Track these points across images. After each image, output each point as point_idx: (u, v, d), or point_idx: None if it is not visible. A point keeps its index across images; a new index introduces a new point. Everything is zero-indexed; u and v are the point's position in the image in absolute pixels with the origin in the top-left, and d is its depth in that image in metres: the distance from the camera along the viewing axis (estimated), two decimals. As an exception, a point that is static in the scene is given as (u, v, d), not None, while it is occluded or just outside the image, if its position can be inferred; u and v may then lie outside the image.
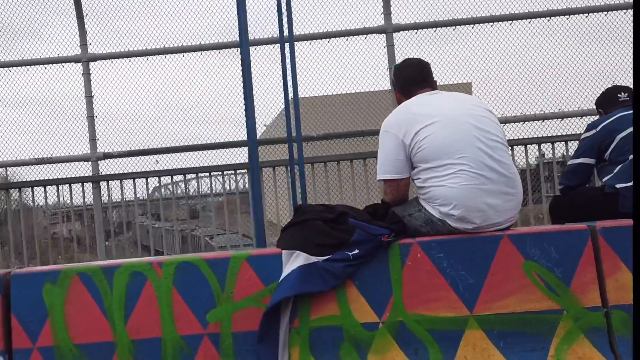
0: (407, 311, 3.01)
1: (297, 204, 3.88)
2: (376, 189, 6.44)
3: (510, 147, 5.71)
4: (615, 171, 3.67)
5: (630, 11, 6.44)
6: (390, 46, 6.59)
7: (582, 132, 3.96)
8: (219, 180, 6.80)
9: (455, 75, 6.67)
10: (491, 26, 6.64)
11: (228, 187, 6.86)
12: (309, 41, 6.71)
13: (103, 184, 6.65)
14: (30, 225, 6.99)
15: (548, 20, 6.63)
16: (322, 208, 3.27)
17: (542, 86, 6.73)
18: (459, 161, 3.03)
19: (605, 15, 6.60)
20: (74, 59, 6.85)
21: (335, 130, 6.90)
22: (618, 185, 3.60)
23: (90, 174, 6.76)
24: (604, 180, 3.75)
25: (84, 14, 6.76)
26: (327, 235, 3.05)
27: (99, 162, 6.83)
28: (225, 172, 6.63)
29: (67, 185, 6.56)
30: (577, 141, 6.17)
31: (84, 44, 6.80)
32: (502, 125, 5.22)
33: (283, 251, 3.07)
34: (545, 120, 6.64)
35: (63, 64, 6.90)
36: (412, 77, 3.36)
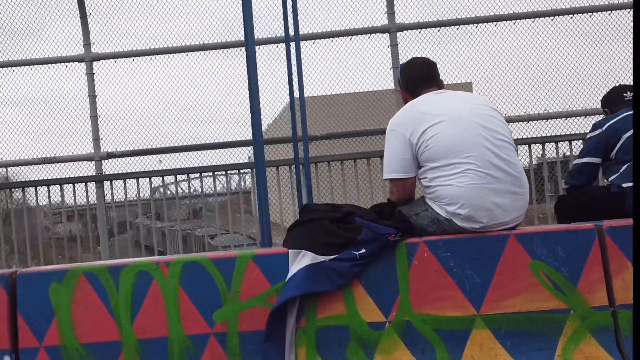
0: (414, 310, 3.01)
1: (302, 203, 3.87)
2: (379, 188, 6.44)
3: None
4: (621, 170, 3.66)
5: (634, 10, 6.42)
6: (393, 45, 6.58)
7: (587, 131, 3.96)
8: (219, 180, 6.79)
9: (460, 75, 6.68)
10: (495, 25, 6.64)
11: (232, 187, 6.87)
12: (313, 40, 6.70)
13: (106, 184, 6.65)
14: (34, 224, 6.99)
15: (552, 20, 6.62)
16: (329, 207, 3.27)
17: (546, 85, 6.73)
18: (466, 160, 3.02)
19: (610, 14, 6.59)
20: (78, 59, 6.85)
21: (338, 129, 6.89)
22: (624, 185, 3.60)
23: (94, 174, 6.76)
24: (610, 179, 3.74)
25: (88, 14, 6.75)
26: (333, 235, 3.05)
27: (102, 161, 6.82)
28: (229, 172, 6.63)
29: (71, 184, 6.56)
30: (581, 140, 6.19)
31: (87, 43, 6.80)
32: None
33: (289, 250, 3.07)
34: (549, 120, 6.63)
35: (66, 64, 6.89)
36: (419, 76, 3.36)
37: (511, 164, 3.09)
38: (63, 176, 6.77)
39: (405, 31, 6.65)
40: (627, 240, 2.97)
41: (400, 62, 6.04)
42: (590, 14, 6.63)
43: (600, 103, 4.20)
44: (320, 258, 3.00)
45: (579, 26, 6.61)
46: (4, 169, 7.29)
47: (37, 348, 3.06)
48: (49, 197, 6.53)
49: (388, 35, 6.63)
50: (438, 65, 3.48)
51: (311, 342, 3.02)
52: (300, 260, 3.02)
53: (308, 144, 3.84)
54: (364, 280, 3.04)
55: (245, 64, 3.73)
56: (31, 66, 6.89)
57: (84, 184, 6.59)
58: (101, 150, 6.79)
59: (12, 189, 6.69)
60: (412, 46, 6.62)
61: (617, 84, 4.23)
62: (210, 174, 6.71)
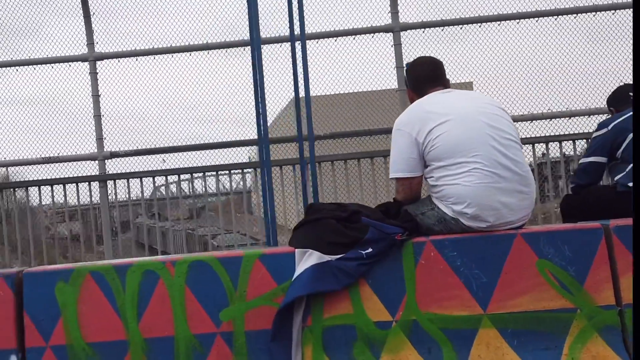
0: (421, 310, 3.01)
1: (307, 203, 3.87)
2: (383, 188, 6.43)
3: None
4: (627, 169, 3.66)
5: (638, 10, 6.42)
6: (397, 45, 6.58)
7: (591, 131, 3.95)
8: (222, 180, 6.80)
9: (463, 75, 6.67)
10: (499, 25, 6.64)
11: (234, 186, 6.86)
12: (316, 40, 6.69)
13: (110, 183, 6.65)
14: (36, 224, 6.99)
15: (556, 19, 6.62)
16: (335, 206, 3.26)
17: (550, 85, 6.73)
18: (473, 159, 3.02)
19: (613, 14, 6.59)
20: (81, 58, 6.85)
21: (341, 129, 6.89)
22: (630, 184, 3.60)
23: (97, 173, 6.76)
24: (615, 178, 3.74)
25: (91, 13, 6.75)
26: (340, 234, 3.04)
27: (106, 161, 6.82)
28: (232, 171, 6.63)
29: (74, 184, 6.56)
30: (584, 140, 6.19)
31: (90, 42, 6.80)
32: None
33: (296, 250, 3.07)
34: (553, 119, 6.63)
35: (70, 63, 6.90)
36: (425, 76, 3.36)
37: (518, 163, 3.09)
38: (63, 176, 6.76)
39: (408, 31, 6.64)
40: (634, 240, 2.97)
41: (404, 62, 6.05)
42: (593, 13, 6.63)
43: (604, 102, 4.20)
44: (327, 257, 3.00)
45: (583, 26, 6.62)
46: (4, 169, 7.30)
47: (44, 347, 3.06)
48: (52, 196, 6.53)
49: (391, 34, 6.62)
50: (442, 65, 3.48)
51: (318, 342, 3.02)
52: (307, 260, 3.02)
53: (314, 143, 3.83)
54: (371, 280, 3.04)
55: (251, 64, 3.73)
56: (35, 66, 6.90)
57: (87, 183, 6.59)
58: (104, 150, 6.79)
59: (16, 189, 6.70)
60: (415, 46, 6.63)
61: (621, 84, 4.23)
62: (214, 173, 6.71)
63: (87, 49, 6.82)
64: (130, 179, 6.58)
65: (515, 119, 6.54)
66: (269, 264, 3.08)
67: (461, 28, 6.70)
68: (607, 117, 4.08)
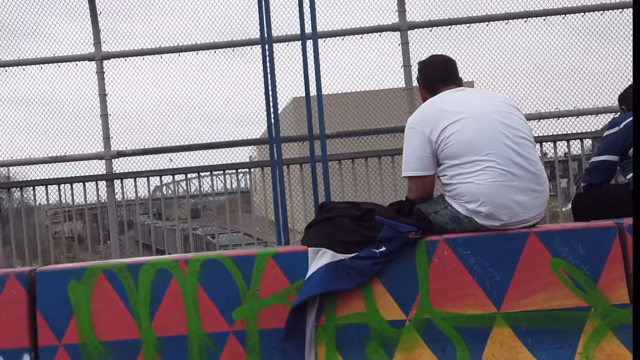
0: (434, 308, 3.00)
1: (318, 201, 3.86)
2: (390, 187, 6.42)
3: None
4: (639, 168, 3.64)
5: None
6: (404, 44, 6.57)
7: (599, 129, 3.94)
8: (220, 180, 6.79)
9: (471, 73, 6.66)
10: (506, 24, 6.64)
11: (240, 185, 6.86)
12: (323, 39, 6.68)
13: (117, 182, 6.65)
14: (41, 224, 6.99)
15: (563, 18, 6.62)
16: (348, 205, 3.25)
17: (557, 84, 6.72)
18: (486, 158, 3.01)
19: (621, 12, 6.59)
20: (88, 57, 6.86)
21: (349, 128, 6.89)
22: (643, 182, 3.58)
23: (104, 172, 6.76)
24: (628, 177, 3.73)
25: (98, 12, 6.76)
26: (353, 233, 3.04)
27: (113, 160, 6.82)
28: (239, 170, 6.62)
29: (81, 183, 6.56)
30: (592, 139, 6.18)
31: (97, 42, 6.81)
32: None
33: (309, 249, 3.06)
34: (561, 118, 6.62)
35: (77, 62, 6.91)
36: (437, 74, 3.35)
37: (531, 162, 3.08)
38: (62, 176, 6.76)
39: (416, 29, 6.64)
40: (648, 238, 2.96)
41: (411, 61, 6.03)
42: (601, 12, 6.62)
43: (612, 101, 4.20)
44: (340, 256, 2.99)
45: (591, 24, 6.61)
46: (6, 168, 7.30)
47: (57, 346, 3.06)
48: (59, 196, 6.53)
49: (399, 33, 6.62)
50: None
51: (331, 340, 3.01)
52: (320, 259, 3.01)
53: (325, 141, 3.82)
54: (384, 279, 3.03)
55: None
56: (41, 65, 6.91)
57: (94, 182, 6.59)
58: (111, 149, 6.79)
59: (22, 188, 6.70)
60: (422, 44, 6.62)
61: (631, 82, 4.21)
62: (221, 172, 6.71)
63: (94, 48, 6.83)
64: (137, 178, 6.57)
65: (523, 118, 6.53)
66: (282, 262, 3.07)
67: (468, 27, 6.70)
68: (618, 115, 4.06)
